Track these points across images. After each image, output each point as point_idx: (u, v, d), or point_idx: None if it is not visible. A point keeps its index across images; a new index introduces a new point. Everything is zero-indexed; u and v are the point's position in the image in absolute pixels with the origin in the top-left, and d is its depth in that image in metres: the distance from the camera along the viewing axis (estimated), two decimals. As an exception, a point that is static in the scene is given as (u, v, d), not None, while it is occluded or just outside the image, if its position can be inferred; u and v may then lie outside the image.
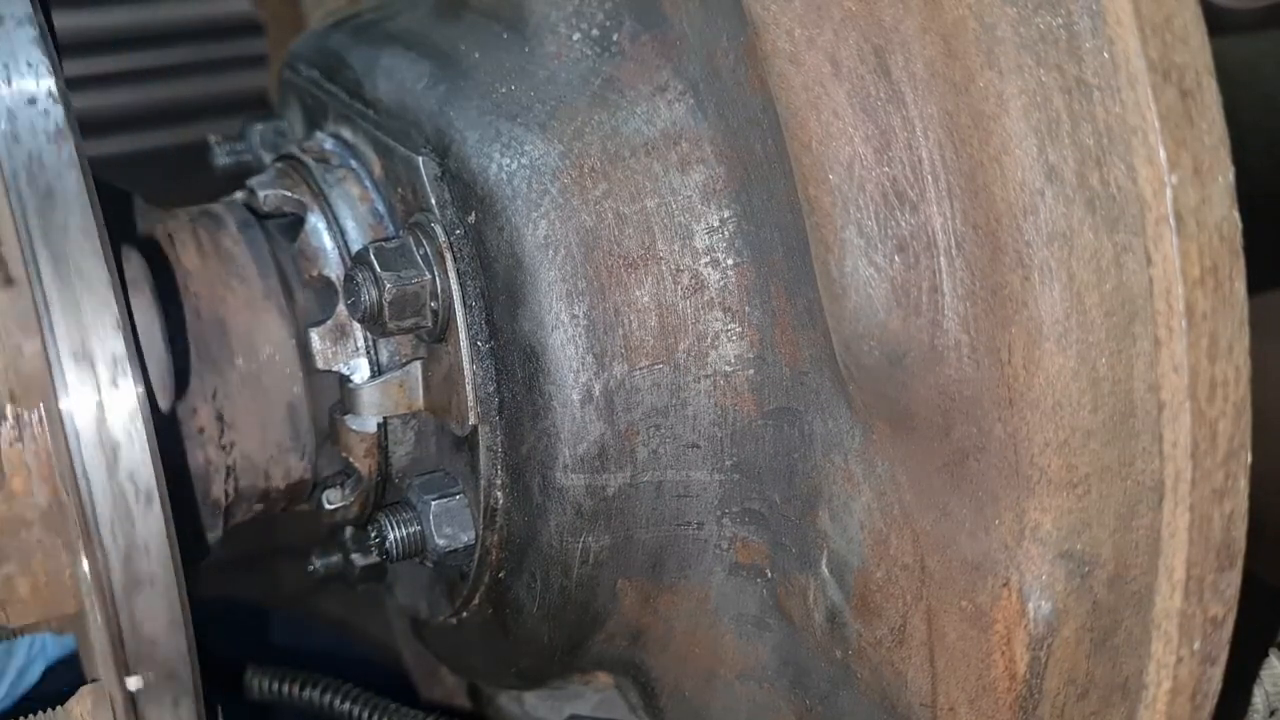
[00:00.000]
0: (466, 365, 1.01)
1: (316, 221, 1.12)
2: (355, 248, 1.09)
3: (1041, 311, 0.76)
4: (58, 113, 0.87)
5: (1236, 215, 0.72)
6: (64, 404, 0.83)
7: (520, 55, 1.04)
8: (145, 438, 0.84)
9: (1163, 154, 0.70)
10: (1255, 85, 1.69)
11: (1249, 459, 0.74)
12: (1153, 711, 0.78)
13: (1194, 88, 0.71)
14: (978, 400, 0.80)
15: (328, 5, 1.64)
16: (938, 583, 0.86)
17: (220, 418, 1.05)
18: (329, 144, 1.17)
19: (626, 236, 0.97)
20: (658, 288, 0.97)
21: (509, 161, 0.98)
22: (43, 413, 0.89)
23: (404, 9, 1.20)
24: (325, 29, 1.27)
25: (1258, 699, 0.98)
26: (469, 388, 1.01)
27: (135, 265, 0.98)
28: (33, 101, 0.87)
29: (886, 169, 0.82)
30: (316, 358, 1.08)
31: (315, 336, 1.08)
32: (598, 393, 0.97)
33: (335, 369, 1.08)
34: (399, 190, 1.08)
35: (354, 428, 1.10)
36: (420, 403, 1.08)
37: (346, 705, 1.34)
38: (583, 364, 0.97)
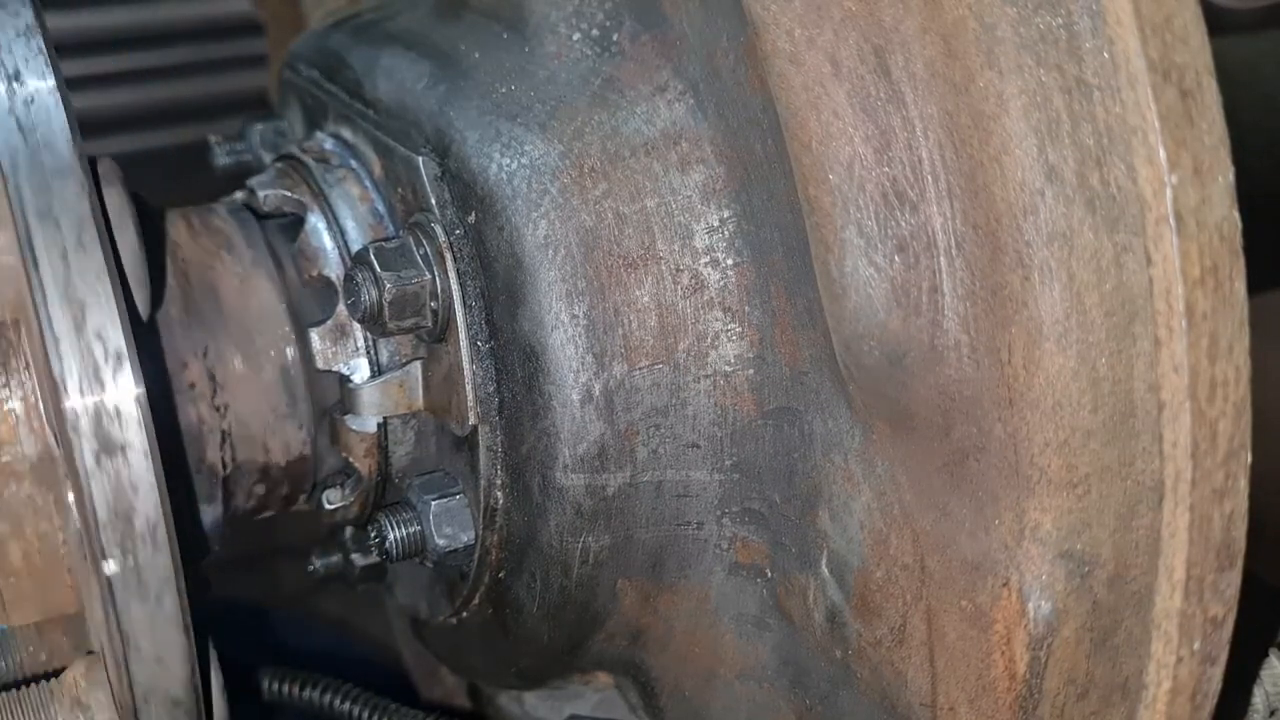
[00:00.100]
0: (466, 365, 1.01)
1: (316, 221, 1.12)
2: (355, 248, 1.09)
3: (1041, 311, 0.76)
4: (58, 113, 0.87)
5: (1236, 215, 0.72)
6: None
7: (520, 55, 1.04)
8: (125, 335, 0.84)
9: (1163, 154, 0.70)
10: (1255, 85, 1.69)
11: (1249, 459, 0.74)
12: (1153, 711, 0.78)
13: (1194, 88, 0.71)
14: (978, 400, 0.80)
15: (328, 5, 1.64)
16: (938, 583, 0.86)
17: (212, 377, 1.05)
18: (329, 144, 1.17)
19: (626, 236, 0.97)
20: (658, 287, 0.97)
21: (509, 161, 0.98)
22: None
23: (404, 9, 1.20)
24: (325, 29, 1.27)
25: (1258, 699, 0.98)
26: (469, 388, 1.01)
27: (115, 196, 0.97)
28: (31, 101, 0.87)
29: (886, 169, 0.82)
30: (316, 358, 1.08)
31: (315, 336, 1.08)
32: (597, 392, 0.97)
33: (335, 369, 1.08)
34: (399, 190, 1.08)
35: (354, 428, 1.10)
36: (420, 403, 1.08)
37: (346, 705, 1.34)
38: (582, 364, 0.97)
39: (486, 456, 1.03)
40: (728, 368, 0.98)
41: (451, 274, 1.00)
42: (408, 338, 1.08)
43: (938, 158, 0.80)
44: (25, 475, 0.92)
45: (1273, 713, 0.98)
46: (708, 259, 0.97)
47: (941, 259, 0.80)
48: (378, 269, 1.00)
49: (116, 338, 0.84)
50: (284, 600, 1.70)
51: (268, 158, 1.24)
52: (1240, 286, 0.72)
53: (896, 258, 0.82)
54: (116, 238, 0.91)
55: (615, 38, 1.01)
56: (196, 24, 2.38)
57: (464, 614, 1.15)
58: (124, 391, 0.84)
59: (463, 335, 1.00)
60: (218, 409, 1.05)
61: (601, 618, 1.07)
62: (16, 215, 0.84)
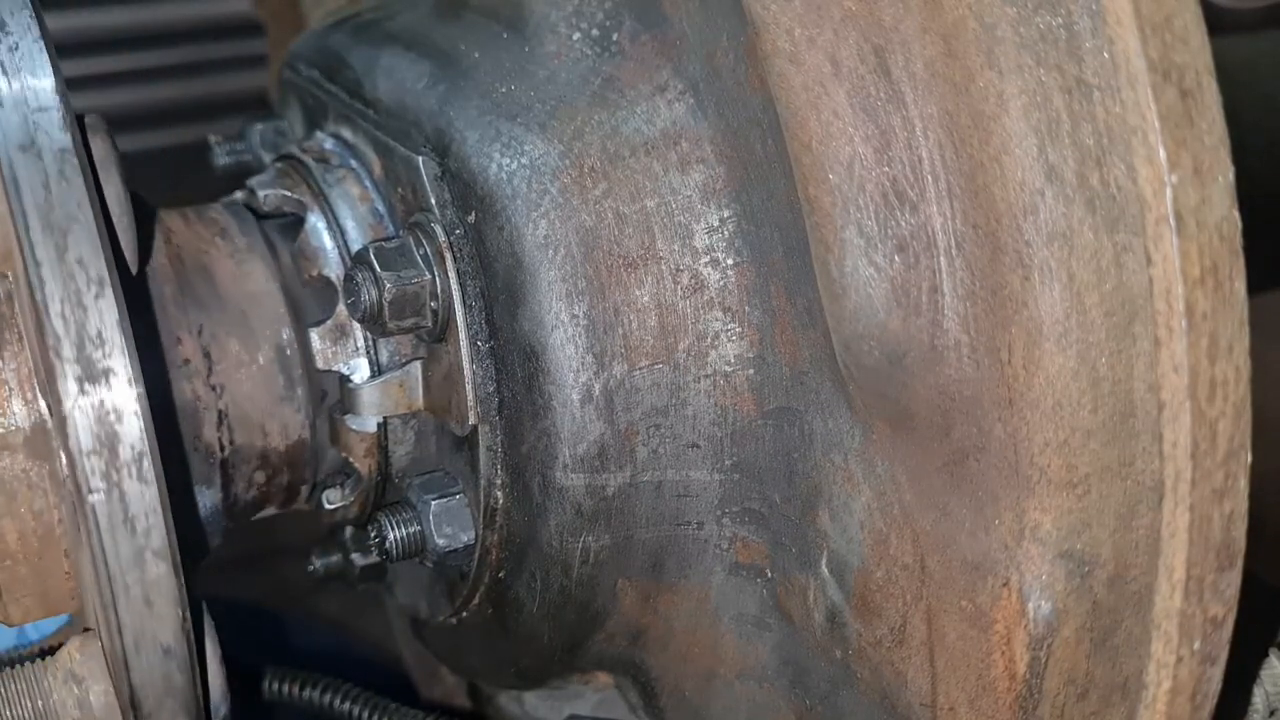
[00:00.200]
0: (466, 365, 1.01)
1: (316, 221, 1.12)
2: (355, 247, 1.09)
3: (1041, 311, 0.76)
4: (57, 114, 0.87)
5: (1236, 215, 0.72)
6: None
7: (520, 55, 1.04)
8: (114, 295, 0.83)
9: (1163, 154, 0.70)
10: (1255, 85, 1.69)
11: (1249, 459, 0.74)
12: (1153, 711, 0.78)
13: (1194, 88, 0.71)
14: (978, 400, 0.80)
15: (328, 5, 1.64)
16: (938, 583, 0.86)
17: (207, 355, 1.04)
18: (329, 144, 1.17)
19: (626, 236, 0.97)
20: (657, 287, 0.97)
21: (509, 161, 0.98)
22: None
23: (404, 9, 1.20)
24: (325, 29, 1.27)
25: (1258, 699, 0.98)
26: (469, 387, 1.01)
27: (100, 143, 0.96)
28: (30, 100, 0.87)
29: (886, 169, 0.82)
30: (316, 357, 1.08)
31: (315, 336, 1.08)
32: (597, 392, 0.97)
33: (335, 369, 1.08)
34: (399, 190, 1.08)
35: (354, 428, 1.10)
36: (420, 403, 1.08)
37: (346, 705, 1.34)
38: (582, 364, 0.97)
39: (486, 456, 1.03)
40: (728, 368, 0.98)
41: (451, 274, 1.00)
42: (408, 338, 1.08)
43: (938, 157, 0.80)
44: (19, 448, 0.91)
45: (1273, 713, 0.98)
46: (708, 259, 0.97)
47: (941, 259, 0.80)
48: (378, 269, 1.00)
49: (98, 264, 0.82)
50: (284, 600, 1.70)
51: (268, 158, 1.24)
52: (1240, 286, 0.72)
53: (896, 257, 0.82)
54: (101, 180, 0.91)
55: (615, 37, 1.01)
56: (196, 24, 2.38)
57: (464, 614, 1.15)
58: (107, 316, 0.82)
59: (463, 335, 1.00)
60: (213, 388, 1.04)
61: (601, 617, 1.07)
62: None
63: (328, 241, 1.11)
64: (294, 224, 1.13)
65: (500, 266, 0.98)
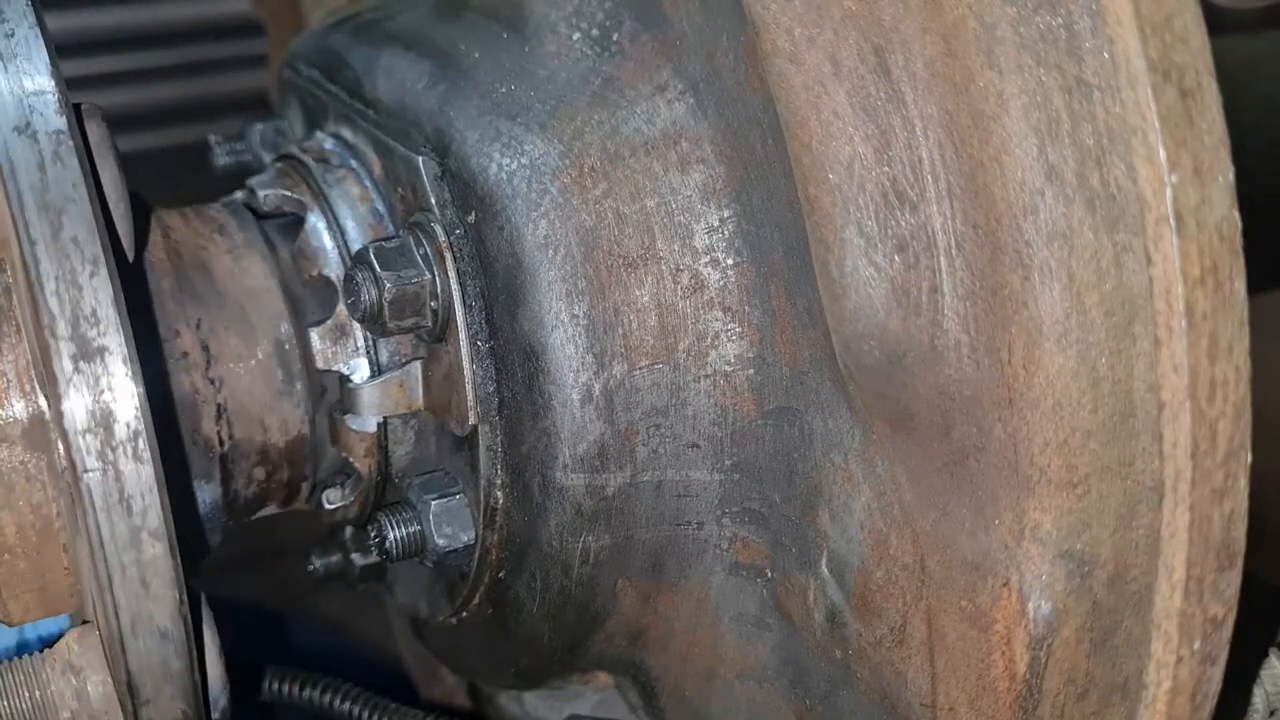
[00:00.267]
0: (466, 365, 1.01)
1: (316, 221, 1.12)
2: (355, 247, 1.09)
3: (1041, 311, 0.76)
4: (53, 97, 0.87)
5: (1236, 215, 0.72)
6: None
7: (520, 55, 1.04)
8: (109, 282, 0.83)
9: (1163, 154, 0.70)
10: (1255, 85, 1.69)
11: (1249, 459, 0.74)
12: (1153, 711, 0.78)
13: (1194, 88, 0.71)
14: (978, 400, 0.80)
15: (328, 5, 1.64)
16: (938, 583, 0.86)
17: (206, 348, 1.04)
18: (329, 144, 1.17)
19: (626, 236, 0.97)
20: (657, 287, 0.97)
21: (509, 161, 0.98)
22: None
23: (404, 9, 1.21)
24: (325, 29, 1.27)
25: (1258, 699, 0.97)
26: (469, 387, 1.01)
27: (96, 129, 0.96)
28: (26, 84, 0.87)
29: (886, 169, 0.82)
30: (316, 357, 1.08)
31: (315, 336, 1.08)
32: (597, 392, 0.97)
33: (335, 369, 1.08)
34: (399, 190, 1.08)
35: (354, 427, 1.10)
36: (420, 402, 1.08)
37: (346, 705, 1.34)
38: (583, 364, 0.97)
39: (486, 456, 1.03)
40: (728, 367, 0.98)
41: (451, 274, 1.00)
42: (408, 338, 1.08)
43: (938, 157, 0.80)
44: (17, 440, 0.90)
45: (1273, 713, 0.98)
46: (708, 259, 0.97)
47: (941, 259, 0.80)
48: (378, 269, 1.00)
49: (93, 245, 0.82)
50: (284, 600, 1.70)
51: (268, 158, 1.24)
52: (1240, 286, 0.72)
53: (896, 257, 0.82)
54: (97, 164, 0.91)
55: (615, 37, 1.01)
56: (196, 24, 2.38)
57: (464, 614, 1.15)
58: (101, 295, 0.82)
59: (463, 335, 1.00)
60: (212, 381, 1.04)
61: (601, 617, 1.07)
62: None
63: (328, 241, 1.11)
64: (294, 224, 1.13)
65: (500, 266, 0.98)
